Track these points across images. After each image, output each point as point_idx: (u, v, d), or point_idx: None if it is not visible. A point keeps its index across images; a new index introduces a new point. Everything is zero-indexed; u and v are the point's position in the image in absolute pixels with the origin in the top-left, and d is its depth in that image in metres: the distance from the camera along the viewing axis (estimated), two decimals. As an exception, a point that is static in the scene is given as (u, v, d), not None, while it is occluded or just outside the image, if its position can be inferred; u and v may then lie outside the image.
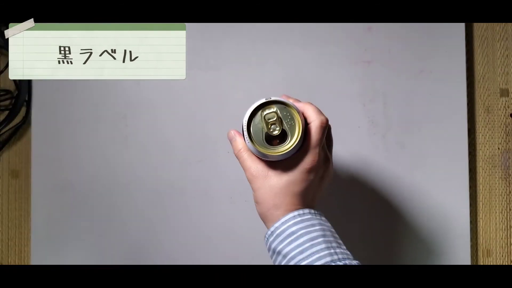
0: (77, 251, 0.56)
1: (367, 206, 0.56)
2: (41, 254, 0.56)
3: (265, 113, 0.40)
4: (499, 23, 0.58)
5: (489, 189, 0.58)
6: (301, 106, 0.43)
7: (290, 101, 0.41)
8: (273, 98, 0.40)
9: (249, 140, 0.40)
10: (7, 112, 0.57)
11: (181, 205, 0.56)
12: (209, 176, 0.56)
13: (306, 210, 0.41)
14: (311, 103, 0.43)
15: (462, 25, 0.56)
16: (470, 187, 0.57)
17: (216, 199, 0.56)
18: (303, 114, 0.42)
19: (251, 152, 0.42)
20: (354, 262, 0.39)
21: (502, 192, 0.58)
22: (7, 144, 0.58)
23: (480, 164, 0.58)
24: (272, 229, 0.41)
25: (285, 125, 0.40)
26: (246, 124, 0.40)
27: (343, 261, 0.38)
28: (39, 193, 0.56)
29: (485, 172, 0.58)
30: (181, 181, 0.56)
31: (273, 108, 0.40)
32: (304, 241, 0.39)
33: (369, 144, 0.56)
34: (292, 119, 0.40)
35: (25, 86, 0.56)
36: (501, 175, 0.58)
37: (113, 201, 0.56)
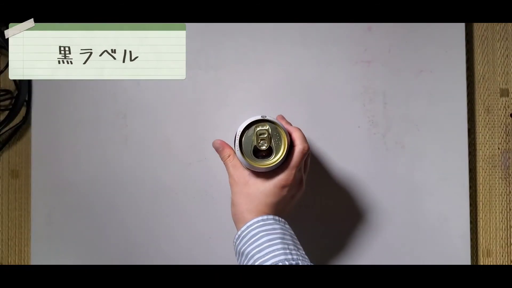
0: (77, 251, 0.56)
1: (367, 206, 0.56)
2: (41, 254, 0.56)
3: (258, 128, 0.45)
4: (499, 23, 0.58)
5: (489, 189, 0.58)
6: (290, 129, 0.48)
7: (281, 123, 0.46)
8: (267, 117, 0.45)
9: (239, 150, 0.45)
10: (7, 112, 0.57)
11: (181, 205, 0.56)
12: (209, 176, 0.56)
13: (270, 216, 0.45)
14: (300, 129, 0.48)
15: (462, 25, 0.56)
16: (470, 187, 0.57)
17: (216, 199, 0.56)
18: (290, 136, 0.46)
19: (238, 160, 0.47)
20: (307, 263, 0.42)
21: (502, 192, 0.58)
22: (7, 144, 0.58)
23: (480, 164, 0.58)
24: (239, 233, 0.45)
25: (273, 143, 0.45)
26: (239, 135, 0.45)
27: (296, 261, 0.41)
28: (39, 193, 0.56)
29: (485, 172, 0.58)
30: (181, 181, 0.56)
31: (266, 126, 0.45)
32: (263, 241, 0.43)
33: (369, 144, 0.56)
34: (280, 139, 0.45)
35: (25, 86, 0.56)
36: (501, 175, 0.58)
37: (113, 201, 0.56)
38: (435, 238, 0.56)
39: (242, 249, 0.44)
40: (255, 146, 0.45)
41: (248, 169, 0.47)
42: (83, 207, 0.56)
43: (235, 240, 0.45)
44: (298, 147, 0.46)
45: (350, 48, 0.56)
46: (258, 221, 0.44)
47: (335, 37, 0.56)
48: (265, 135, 0.45)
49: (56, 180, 0.56)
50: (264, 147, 0.45)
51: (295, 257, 0.42)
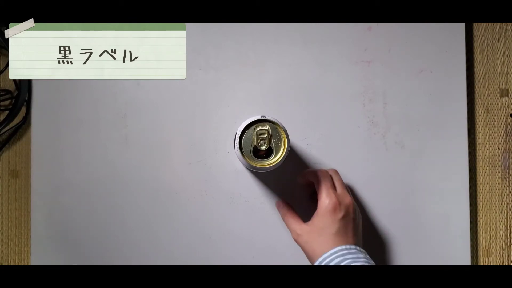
0: (77, 251, 0.56)
1: (366, 206, 0.56)
2: (41, 254, 0.56)
3: (258, 129, 0.45)
4: (499, 23, 0.58)
5: (489, 189, 0.58)
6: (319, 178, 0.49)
7: (281, 123, 0.46)
8: (267, 117, 0.45)
9: (239, 150, 0.45)
10: (7, 112, 0.57)
11: (181, 205, 0.56)
12: (209, 176, 0.56)
13: (353, 246, 0.46)
14: (332, 176, 0.51)
15: (462, 25, 0.56)
16: (470, 187, 0.57)
17: (216, 199, 0.56)
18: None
19: (293, 215, 0.50)
20: None
21: (502, 192, 0.58)
22: (7, 144, 0.58)
23: (480, 164, 0.58)
24: (320, 259, 0.45)
25: (273, 143, 0.45)
26: (239, 135, 0.45)
27: None
28: (39, 193, 0.56)
29: (485, 172, 0.58)
30: (181, 181, 0.56)
31: (266, 126, 0.46)
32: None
33: (369, 144, 0.56)
34: (280, 139, 0.46)
35: (25, 86, 0.56)
36: (501, 175, 0.58)
37: (113, 201, 0.56)
38: (435, 238, 0.56)
39: None
40: (254, 146, 0.45)
41: (300, 218, 0.49)
42: (83, 207, 0.56)
43: (317, 263, 0.45)
44: (323, 202, 0.47)
45: (350, 48, 0.56)
46: (342, 249, 0.45)
47: (335, 37, 0.56)
48: (265, 135, 0.45)
49: (56, 180, 0.56)
50: (264, 147, 0.45)
51: None
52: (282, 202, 0.53)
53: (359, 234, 0.49)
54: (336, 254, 0.44)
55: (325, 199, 0.47)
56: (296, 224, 0.49)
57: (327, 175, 0.50)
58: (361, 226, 0.51)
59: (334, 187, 0.49)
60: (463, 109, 0.56)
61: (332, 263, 0.44)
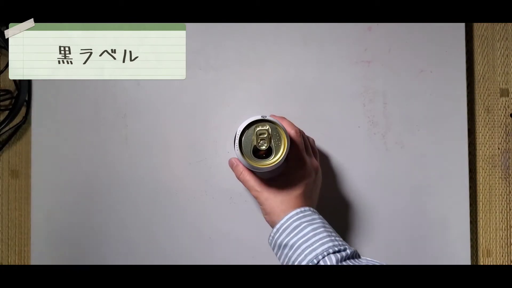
0: (77, 251, 0.56)
1: (366, 206, 0.56)
2: (41, 254, 0.56)
3: (258, 129, 0.45)
4: (499, 23, 0.58)
5: (489, 189, 0.58)
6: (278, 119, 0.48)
7: (281, 124, 0.46)
8: (267, 117, 0.45)
9: (239, 150, 0.45)
10: (7, 112, 0.57)
11: (181, 205, 0.56)
12: (209, 176, 0.56)
13: (307, 208, 0.46)
14: (284, 118, 0.50)
15: (462, 25, 0.56)
16: (470, 187, 0.57)
17: (216, 199, 0.56)
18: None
19: (249, 173, 0.49)
20: (352, 249, 0.44)
21: (502, 192, 0.58)
22: (7, 144, 0.58)
23: (480, 164, 0.58)
24: (277, 226, 0.46)
25: (273, 143, 0.45)
26: (239, 135, 0.45)
27: (343, 247, 0.43)
28: (39, 193, 0.56)
29: (485, 172, 0.58)
30: (181, 181, 0.56)
31: (266, 126, 0.45)
32: (308, 231, 0.44)
33: (369, 144, 0.56)
34: (280, 139, 0.45)
35: (25, 86, 0.56)
36: (501, 175, 0.58)
37: (113, 201, 0.56)
38: (435, 238, 0.56)
39: (285, 241, 0.44)
40: (254, 146, 0.45)
41: (258, 176, 0.48)
42: (83, 207, 0.56)
43: (273, 234, 0.46)
44: (291, 133, 0.47)
45: (350, 48, 0.56)
46: (297, 213, 0.45)
47: (335, 37, 0.56)
48: (265, 135, 0.45)
49: (56, 180, 0.56)
50: (264, 147, 0.45)
51: (340, 243, 0.43)
52: (235, 159, 0.50)
53: (317, 196, 0.51)
54: (293, 218, 0.45)
55: (297, 162, 0.48)
56: (255, 181, 0.48)
57: (301, 137, 0.49)
58: (319, 188, 0.51)
59: (306, 150, 0.49)
60: (463, 109, 0.56)
61: (291, 227, 0.45)
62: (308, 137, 0.53)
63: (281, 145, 0.45)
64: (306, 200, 0.48)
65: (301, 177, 0.47)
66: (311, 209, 0.47)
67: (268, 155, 0.46)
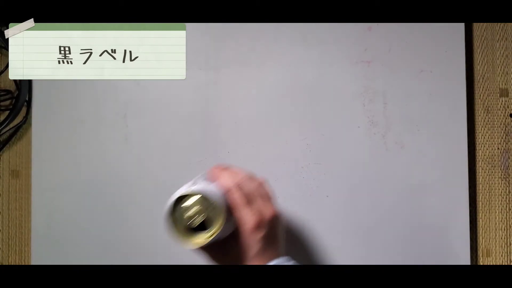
0: (77, 251, 0.56)
1: (366, 206, 0.56)
2: (41, 254, 0.56)
3: (185, 204, 0.39)
4: (499, 23, 0.58)
5: (488, 189, 0.58)
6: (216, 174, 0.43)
7: (211, 190, 0.39)
8: (193, 189, 0.39)
9: (173, 230, 0.40)
10: (7, 112, 0.57)
11: (181, 205, 0.56)
12: (209, 176, 0.56)
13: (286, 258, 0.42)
14: (227, 168, 0.43)
15: (462, 25, 0.56)
16: (470, 187, 0.57)
17: (216, 199, 0.56)
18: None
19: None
20: None
21: (502, 192, 0.58)
22: (8, 144, 0.58)
23: (479, 164, 0.58)
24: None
25: (208, 214, 0.39)
26: (169, 215, 0.40)
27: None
28: (39, 193, 0.56)
29: (485, 172, 0.58)
30: (181, 181, 0.56)
31: (195, 199, 0.39)
32: None
33: (369, 144, 0.56)
34: (214, 208, 0.39)
35: (25, 86, 0.56)
36: (501, 175, 0.58)
37: (113, 201, 0.56)
38: (435, 238, 0.56)
39: None
40: (187, 224, 0.40)
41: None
42: (83, 207, 0.56)
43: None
44: (246, 225, 0.40)
45: (350, 48, 0.56)
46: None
47: (335, 37, 0.56)
48: (196, 209, 0.39)
49: (56, 180, 0.56)
50: (197, 222, 0.39)
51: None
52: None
53: (280, 244, 0.44)
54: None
55: (243, 218, 0.40)
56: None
57: (238, 192, 0.41)
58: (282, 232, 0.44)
59: (247, 200, 0.42)
60: (462, 109, 0.56)
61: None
62: (257, 180, 0.44)
63: (217, 215, 0.39)
64: (264, 257, 0.41)
65: (250, 234, 0.40)
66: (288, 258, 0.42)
67: (205, 228, 0.40)
